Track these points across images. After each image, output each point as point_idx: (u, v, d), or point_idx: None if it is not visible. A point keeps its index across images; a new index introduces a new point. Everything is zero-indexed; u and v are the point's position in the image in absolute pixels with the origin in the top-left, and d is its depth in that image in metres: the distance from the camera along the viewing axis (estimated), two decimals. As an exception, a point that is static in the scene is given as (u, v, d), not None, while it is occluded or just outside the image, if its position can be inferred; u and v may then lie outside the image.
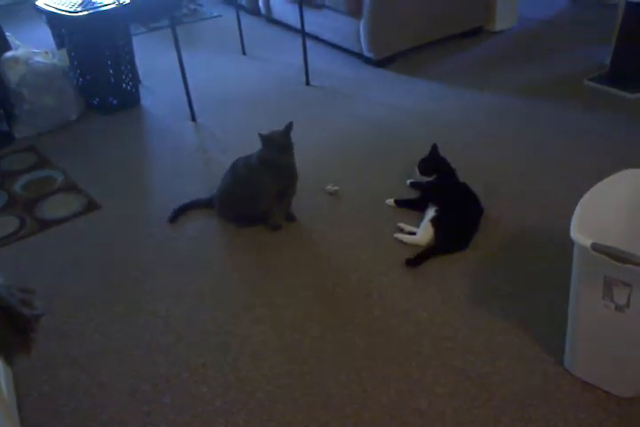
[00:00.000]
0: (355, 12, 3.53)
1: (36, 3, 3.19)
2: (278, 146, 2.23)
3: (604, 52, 3.42)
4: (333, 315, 1.99)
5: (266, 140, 2.21)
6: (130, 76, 3.37)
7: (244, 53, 3.99)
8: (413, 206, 2.42)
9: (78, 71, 3.31)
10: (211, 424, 1.65)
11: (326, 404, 1.69)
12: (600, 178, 1.71)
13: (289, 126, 2.22)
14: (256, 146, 2.27)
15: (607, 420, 1.61)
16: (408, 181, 2.58)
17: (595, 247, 1.43)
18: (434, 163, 2.46)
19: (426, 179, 2.45)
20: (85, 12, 3.03)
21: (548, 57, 3.72)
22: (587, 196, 1.64)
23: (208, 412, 1.69)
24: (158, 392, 1.75)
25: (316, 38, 3.96)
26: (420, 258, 2.16)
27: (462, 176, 2.44)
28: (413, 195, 2.50)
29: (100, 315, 2.03)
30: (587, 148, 2.79)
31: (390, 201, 2.46)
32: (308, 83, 3.54)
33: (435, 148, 2.47)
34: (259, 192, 2.30)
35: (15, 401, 1.72)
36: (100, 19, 3.08)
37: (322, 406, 1.68)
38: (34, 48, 3.20)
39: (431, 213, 2.27)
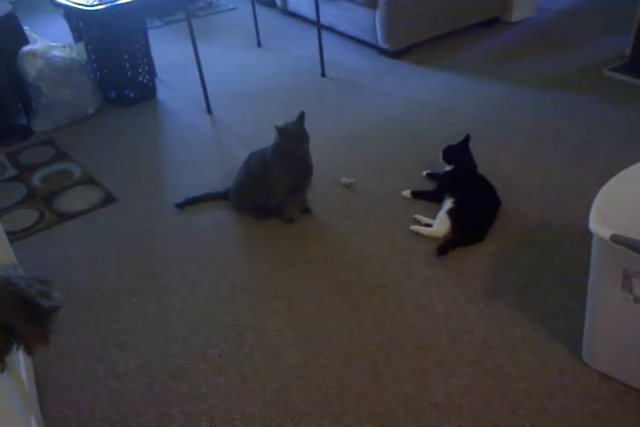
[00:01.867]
0: (371, 3, 3.50)
1: (54, -3, 3.21)
2: (295, 137, 2.22)
3: (624, 41, 3.36)
4: (349, 307, 1.99)
5: (282, 131, 2.20)
6: (146, 69, 3.38)
7: (259, 46, 3.99)
8: (430, 198, 2.41)
9: (95, 65, 3.33)
10: (227, 415, 1.67)
11: (341, 396, 1.69)
12: (619, 170, 1.69)
13: (301, 116, 2.21)
14: (272, 138, 2.26)
15: (625, 412, 1.59)
16: (424, 173, 2.57)
17: (614, 239, 1.41)
18: (458, 152, 2.43)
19: (446, 167, 2.43)
20: (102, 6, 3.03)
21: (567, 47, 3.67)
22: (606, 187, 1.62)
23: (224, 403, 1.70)
24: (175, 383, 1.76)
25: (331, 30, 3.94)
26: (447, 245, 2.15)
27: (479, 168, 2.42)
28: (429, 187, 2.48)
29: (117, 307, 2.05)
30: (606, 139, 2.76)
31: (407, 193, 2.45)
32: (323, 74, 3.53)
33: (467, 138, 2.44)
34: (273, 185, 2.30)
35: (35, 391, 1.75)
36: (117, 12, 3.09)
37: (337, 399, 1.69)
38: (51, 42, 3.22)
39: (448, 204, 2.26)
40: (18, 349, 1.47)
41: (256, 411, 1.67)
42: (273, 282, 2.12)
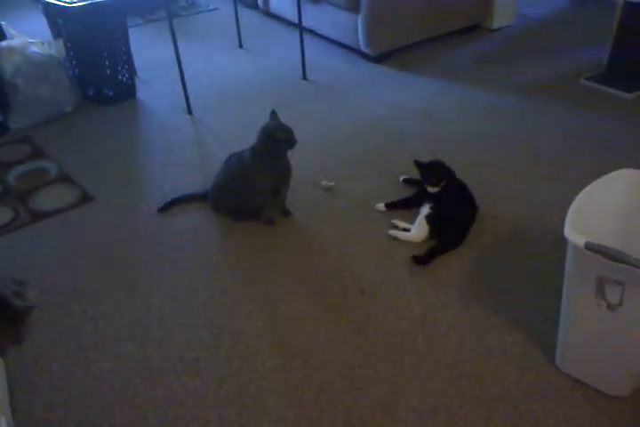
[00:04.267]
0: (353, 6, 3.52)
1: (33, -8, 3.17)
2: (281, 129, 2.20)
3: (601, 51, 3.42)
4: (326, 311, 1.99)
5: (268, 129, 2.20)
6: (126, 67, 3.35)
7: (240, 47, 3.98)
8: (406, 205, 2.41)
9: (74, 62, 3.29)
10: (203, 418, 1.66)
11: (318, 399, 1.69)
12: (595, 177, 1.71)
13: (273, 115, 2.23)
14: (252, 139, 2.26)
15: (597, 417, 1.62)
16: (401, 178, 2.58)
17: (588, 246, 1.44)
18: (435, 176, 2.31)
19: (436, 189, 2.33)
20: (82, 3, 3.01)
21: (546, 55, 3.73)
22: (581, 195, 1.64)
23: (200, 406, 1.69)
24: (151, 386, 1.75)
25: (313, 33, 3.95)
26: (429, 255, 2.15)
27: (458, 174, 2.44)
28: (407, 191, 2.49)
29: (93, 308, 2.03)
30: (582, 147, 2.80)
31: (380, 206, 2.42)
32: (304, 77, 3.53)
33: (419, 164, 2.35)
34: (252, 187, 2.29)
35: (7, 393, 1.71)
36: (97, 9, 3.06)
37: (314, 402, 1.69)
38: (30, 38, 3.18)
39: (426, 209, 2.27)
40: (-9, 350, 1.44)
41: (232, 414, 1.66)
42: (251, 284, 2.12)
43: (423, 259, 2.15)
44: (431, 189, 2.30)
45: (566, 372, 1.73)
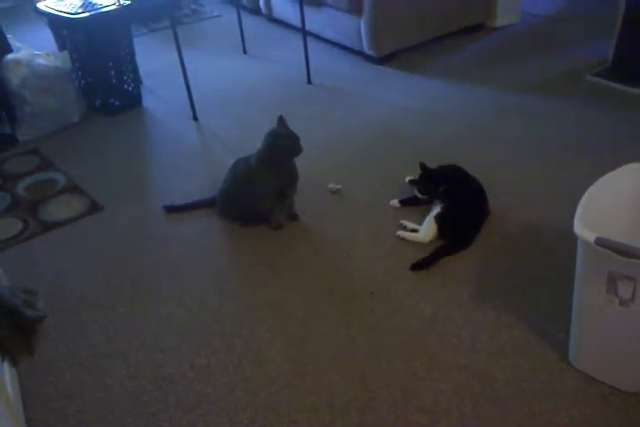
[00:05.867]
0: (355, 9, 3.52)
1: (37, 5, 3.20)
2: (289, 137, 2.21)
3: (606, 46, 3.40)
4: (337, 313, 1.98)
5: (276, 134, 2.20)
6: (131, 77, 3.37)
7: (244, 53, 3.99)
8: (420, 202, 2.40)
9: (80, 73, 3.32)
10: (215, 425, 1.65)
11: (330, 403, 1.69)
12: (603, 173, 1.70)
13: (281, 120, 2.22)
14: (258, 145, 2.26)
15: (612, 415, 1.60)
16: (407, 179, 2.57)
17: (599, 242, 1.42)
18: (427, 188, 2.36)
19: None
20: (86, 14, 3.04)
21: (550, 53, 3.71)
22: (590, 190, 1.63)
23: (213, 412, 1.69)
24: (163, 393, 1.75)
25: (316, 37, 3.95)
26: (427, 261, 2.13)
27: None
28: (412, 193, 2.47)
29: (104, 316, 2.03)
30: (590, 143, 2.78)
31: (395, 202, 2.44)
32: (309, 81, 3.54)
33: (423, 169, 2.37)
34: (259, 192, 2.29)
35: (21, 402, 1.72)
36: (101, 20, 3.09)
37: (326, 406, 1.68)
38: (35, 50, 3.21)
39: (436, 209, 2.26)
40: (3, 360, 1.45)
41: (245, 420, 1.66)
42: (261, 289, 2.11)
43: (421, 265, 2.12)
44: (419, 196, 2.37)
45: (580, 369, 1.71)
